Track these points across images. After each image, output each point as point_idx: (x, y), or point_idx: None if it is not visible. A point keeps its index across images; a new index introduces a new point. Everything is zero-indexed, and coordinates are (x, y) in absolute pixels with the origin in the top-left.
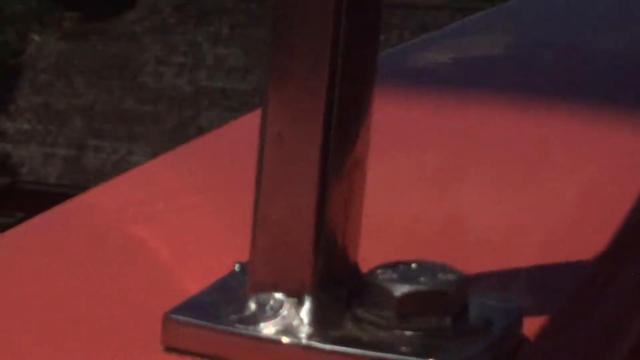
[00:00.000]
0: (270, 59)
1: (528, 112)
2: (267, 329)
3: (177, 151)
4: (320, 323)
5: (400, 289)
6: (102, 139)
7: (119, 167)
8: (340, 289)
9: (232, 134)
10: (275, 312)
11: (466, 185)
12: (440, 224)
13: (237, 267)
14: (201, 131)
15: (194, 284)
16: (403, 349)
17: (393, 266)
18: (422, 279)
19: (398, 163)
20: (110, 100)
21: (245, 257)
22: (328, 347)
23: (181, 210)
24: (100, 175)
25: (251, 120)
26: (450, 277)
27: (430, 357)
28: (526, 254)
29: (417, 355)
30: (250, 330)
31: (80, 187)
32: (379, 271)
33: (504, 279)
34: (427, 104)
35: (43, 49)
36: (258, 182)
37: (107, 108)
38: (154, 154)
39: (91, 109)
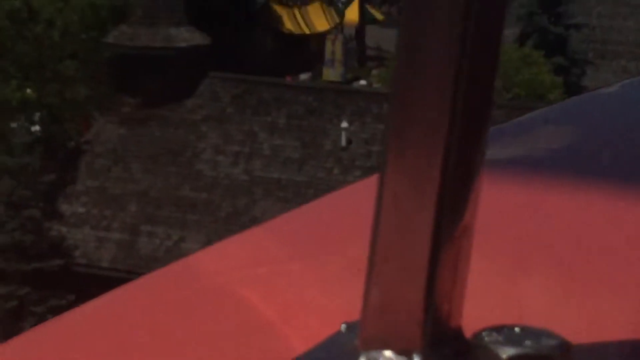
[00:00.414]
0: (388, 126)
1: (616, 204)
2: None
3: (277, 219)
4: None
5: (507, 352)
6: (155, 224)
7: (172, 253)
8: (446, 349)
9: (330, 206)
10: None
11: (548, 269)
12: (535, 294)
13: (343, 328)
14: (254, 220)
15: (299, 345)
16: None
17: (498, 329)
18: (527, 343)
19: (496, 235)
20: (166, 187)
21: (349, 319)
22: None
23: (284, 273)
24: (153, 261)
25: (346, 194)
26: (553, 342)
27: None
28: (626, 326)
29: None
30: None
31: (133, 272)
32: (484, 333)
33: (606, 348)
34: (530, 183)
35: (102, 134)
36: (373, 241)
37: (162, 194)
38: (207, 242)
39: (146, 195)
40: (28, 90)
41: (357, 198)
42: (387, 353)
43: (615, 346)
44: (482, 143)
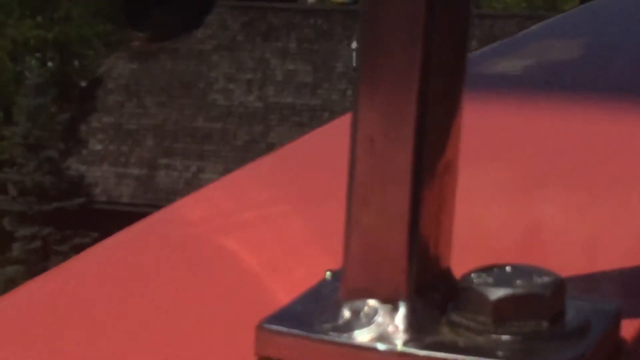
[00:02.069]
0: (359, 62)
1: (610, 115)
2: (362, 336)
3: (261, 161)
4: (416, 329)
5: (496, 293)
6: (173, 157)
7: (191, 185)
8: (434, 294)
9: (314, 144)
10: (369, 319)
11: (553, 189)
12: (530, 228)
13: (328, 276)
14: (271, 147)
15: (285, 294)
16: (500, 353)
17: (487, 270)
18: (517, 282)
19: (480, 169)
20: (181, 119)
21: (336, 266)
22: (424, 353)
23: (269, 219)
24: (172, 194)
25: (337, 127)
26: (546, 279)
27: None
28: (621, 257)
29: None
30: (344, 338)
31: (153, 206)
32: (473, 275)
33: (600, 281)
34: (506, 110)
35: (113, 70)
36: (350, 187)
37: (177, 127)
38: (225, 171)
39: (162, 128)
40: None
41: (343, 135)
42: (372, 302)
43: (609, 281)
44: (460, 69)
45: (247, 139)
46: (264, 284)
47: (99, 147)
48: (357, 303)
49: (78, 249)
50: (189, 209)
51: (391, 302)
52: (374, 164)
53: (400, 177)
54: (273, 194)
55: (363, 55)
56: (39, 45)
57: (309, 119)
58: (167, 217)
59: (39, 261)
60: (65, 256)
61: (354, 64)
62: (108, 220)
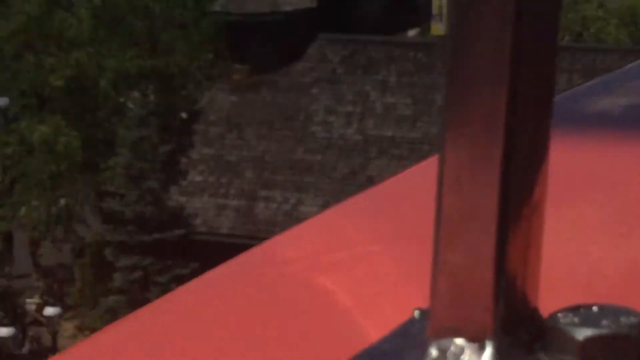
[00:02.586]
0: (446, 104)
1: None
2: None
3: (354, 199)
4: None
5: (583, 333)
6: (272, 189)
7: (290, 217)
8: (521, 334)
9: (407, 182)
10: (456, 358)
11: None
12: (618, 268)
13: (416, 314)
14: (370, 180)
15: (375, 331)
16: None
17: (574, 310)
18: (604, 323)
19: (573, 208)
20: (280, 151)
21: (425, 304)
22: None
23: (360, 258)
24: (272, 225)
25: (426, 168)
26: (633, 320)
27: None
28: None
29: None
30: None
31: (252, 237)
32: (560, 315)
33: None
34: (603, 149)
35: (214, 102)
36: (436, 227)
37: (277, 159)
38: (324, 204)
39: (262, 160)
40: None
41: (432, 176)
42: (459, 341)
43: None
44: (547, 109)
45: (346, 171)
46: (355, 322)
47: (199, 178)
48: (444, 342)
49: (178, 279)
50: (284, 246)
51: (478, 341)
52: (460, 204)
53: (487, 217)
54: (365, 232)
55: (449, 94)
56: (140, 76)
57: (409, 151)
58: (262, 254)
59: (140, 291)
60: (165, 287)
61: None
62: (208, 251)
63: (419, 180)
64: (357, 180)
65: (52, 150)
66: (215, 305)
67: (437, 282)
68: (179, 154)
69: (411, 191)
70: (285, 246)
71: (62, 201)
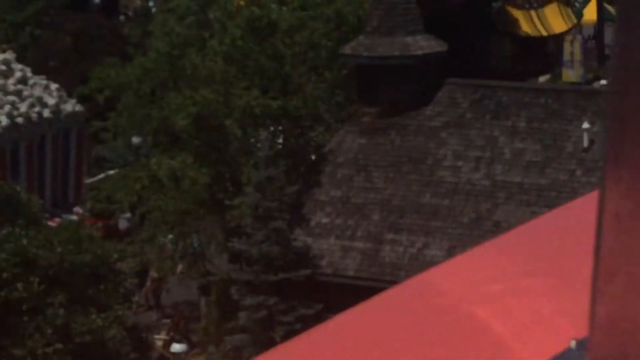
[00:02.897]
0: (606, 140)
1: None
2: None
3: (505, 236)
4: None
5: None
6: (399, 232)
7: (416, 261)
8: None
9: (556, 220)
10: None
11: None
12: None
13: (572, 344)
14: (498, 226)
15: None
16: None
17: None
18: None
19: None
20: (408, 194)
21: (580, 334)
22: None
23: (515, 290)
24: (397, 269)
25: (582, 205)
26: None
27: None
28: None
29: None
30: None
31: (378, 280)
32: None
33: None
34: None
35: (342, 144)
36: (596, 260)
37: (404, 202)
38: (451, 248)
39: (389, 203)
40: (268, 101)
41: (587, 211)
42: None
43: None
44: None
45: (473, 216)
46: (511, 352)
47: (325, 219)
48: None
49: (302, 319)
50: (438, 279)
51: None
52: (620, 239)
53: None
54: (519, 266)
55: (610, 134)
56: (268, 116)
57: (537, 198)
58: (418, 285)
59: (264, 331)
60: (290, 326)
61: (584, 145)
62: (333, 292)
63: (569, 219)
64: (484, 226)
65: (180, 187)
66: (374, 333)
67: (596, 312)
68: (306, 195)
69: (561, 228)
70: (439, 279)
71: (190, 238)
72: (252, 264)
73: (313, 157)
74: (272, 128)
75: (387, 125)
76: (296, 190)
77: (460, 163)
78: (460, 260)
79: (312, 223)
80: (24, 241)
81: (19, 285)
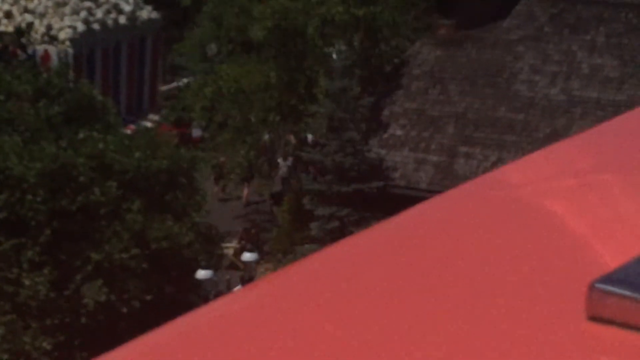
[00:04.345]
0: None
1: None
2: None
3: (582, 135)
4: None
5: None
6: (473, 146)
7: None
8: None
9: (637, 119)
10: None
11: None
12: None
13: None
14: None
15: (610, 257)
16: None
17: None
18: None
19: None
20: (483, 108)
21: None
22: None
23: (592, 186)
24: None
25: None
26: None
27: None
28: None
29: None
30: None
31: None
32: None
33: None
34: None
35: (418, 56)
36: None
37: (479, 116)
38: None
39: (463, 116)
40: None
41: None
42: None
43: None
44: None
45: (548, 131)
46: (589, 248)
47: (400, 132)
48: None
49: None
50: (513, 173)
51: None
52: None
53: None
54: (595, 163)
55: None
56: (347, 25)
57: (613, 114)
58: (492, 179)
59: (335, 241)
60: None
61: None
62: (405, 204)
63: None
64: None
65: (253, 95)
66: (445, 226)
67: None
68: (381, 107)
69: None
70: (511, 174)
71: (264, 147)
72: (325, 174)
73: (388, 69)
74: (349, 38)
75: (464, 37)
76: (371, 102)
77: (536, 77)
78: (534, 157)
79: (386, 135)
80: (101, 145)
81: (96, 189)
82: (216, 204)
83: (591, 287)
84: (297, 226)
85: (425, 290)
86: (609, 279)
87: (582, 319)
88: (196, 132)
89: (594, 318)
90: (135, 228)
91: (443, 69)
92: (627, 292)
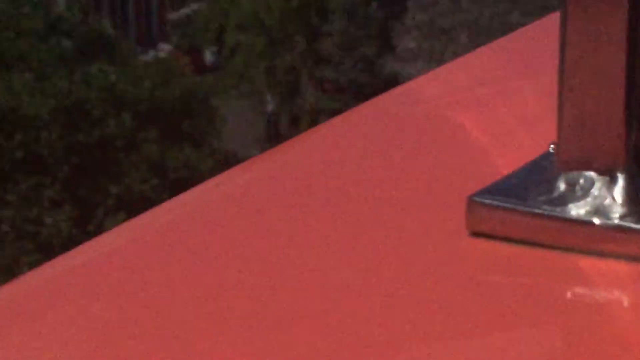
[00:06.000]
0: None
1: None
2: (577, 209)
3: (500, 41)
4: (635, 202)
5: None
6: None
7: None
8: None
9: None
10: (585, 192)
11: None
12: None
13: (551, 148)
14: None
15: (507, 167)
16: None
17: None
18: None
19: None
20: (495, 15)
21: None
22: None
23: (504, 94)
24: None
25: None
26: None
27: None
28: None
29: None
30: (558, 211)
31: None
32: None
33: None
34: None
35: None
36: (562, 51)
37: (491, 23)
38: None
39: (476, 24)
40: None
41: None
42: (588, 174)
43: None
44: None
45: None
46: (488, 156)
47: (412, 44)
48: (573, 175)
49: None
50: (426, 85)
51: (608, 174)
52: (587, 24)
53: (616, 36)
54: (514, 69)
55: None
56: None
57: None
58: (405, 93)
59: None
60: None
61: None
62: None
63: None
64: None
65: (265, 18)
66: (356, 141)
67: (564, 111)
68: (393, 20)
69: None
70: (428, 85)
71: (280, 69)
72: (340, 91)
73: None
74: None
75: None
76: (382, 16)
77: None
78: (449, 67)
79: (399, 49)
80: (112, 77)
81: (111, 122)
82: (237, 127)
83: (469, 201)
84: None
85: (307, 207)
86: (487, 191)
87: (464, 235)
88: (209, 58)
89: (475, 233)
90: (153, 158)
91: None
92: (503, 204)
